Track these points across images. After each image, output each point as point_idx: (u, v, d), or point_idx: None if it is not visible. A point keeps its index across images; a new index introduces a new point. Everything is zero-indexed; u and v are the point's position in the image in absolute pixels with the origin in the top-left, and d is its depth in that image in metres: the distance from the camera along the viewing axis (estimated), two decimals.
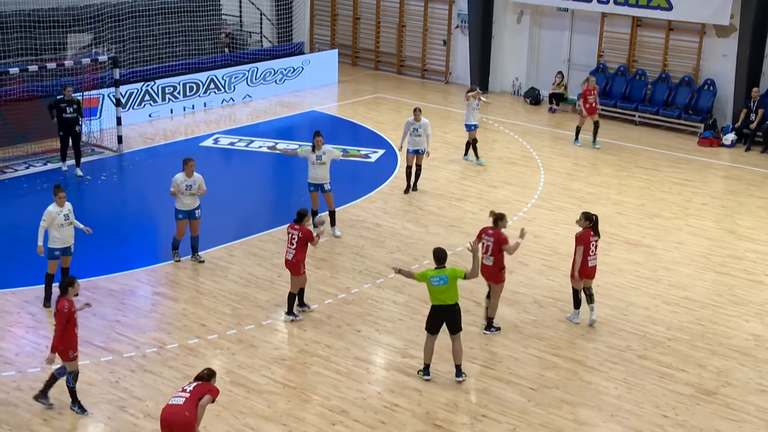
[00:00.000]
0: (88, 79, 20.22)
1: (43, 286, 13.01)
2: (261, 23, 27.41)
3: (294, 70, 26.14)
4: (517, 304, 13.53)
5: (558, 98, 24.81)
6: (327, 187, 15.44)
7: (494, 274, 12.50)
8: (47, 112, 18.73)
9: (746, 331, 12.86)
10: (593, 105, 21.05)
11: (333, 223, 15.69)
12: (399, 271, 11.60)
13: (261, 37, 27.56)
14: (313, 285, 13.82)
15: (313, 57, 27.05)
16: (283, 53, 26.53)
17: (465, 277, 11.20)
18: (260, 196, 18.67)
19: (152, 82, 22.74)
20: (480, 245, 12.28)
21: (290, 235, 12.73)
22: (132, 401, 10.78)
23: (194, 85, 23.81)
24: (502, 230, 12.41)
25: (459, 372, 11.45)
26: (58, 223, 12.59)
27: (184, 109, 23.55)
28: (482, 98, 19.88)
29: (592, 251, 12.61)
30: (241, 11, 27.30)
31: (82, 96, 19.36)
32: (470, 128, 19.63)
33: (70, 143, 18.45)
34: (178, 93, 23.44)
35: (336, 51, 27.81)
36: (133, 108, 22.29)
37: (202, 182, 14.39)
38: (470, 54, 26.31)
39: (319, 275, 14.24)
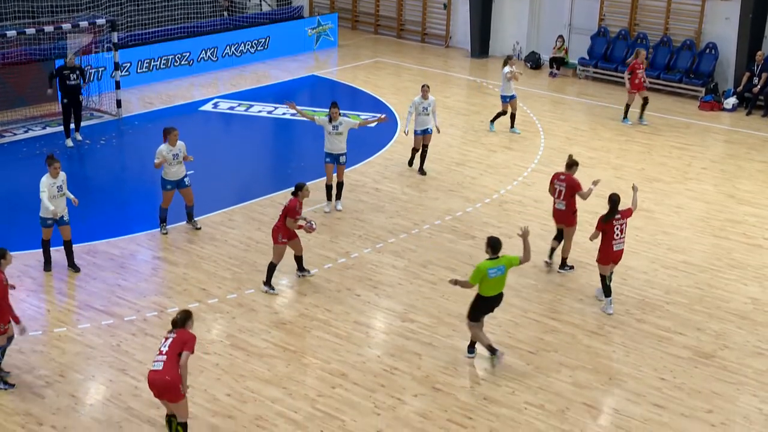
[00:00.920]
0: (86, 43, 20.08)
1: (41, 251, 13.06)
2: None
3: (293, 34, 25.98)
4: (517, 268, 13.51)
5: (559, 62, 24.67)
6: (342, 159, 15.12)
7: (568, 218, 13.20)
8: (46, 76, 18.64)
9: (744, 294, 12.90)
10: (641, 80, 20.01)
11: (339, 195, 15.44)
12: (456, 282, 10.88)
13: (260, 1, 27.34)
14: (312, 249, 13.84)
15: (311, 21, 26.86)
16: (282, 17, 26.35)
17: (519, 263, 10.84)
18: (260, 160, 18.64)
19: (151, 46, 22.61)
20: (554, 191, 13.24)
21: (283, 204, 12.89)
22: (133, 364, 10.85)
23: (193, 49, 23.67)
24: (574, 175, 13.12)
25: (472, 349, 11.24)
26: (51, 194, 12.60)
27: (183, 74, 23.42)
28: (514, 68, 19.19)
29: (617, 234, 12.00)
30: None
31: (80, 60, 19.22)
32: (505, 100, 19.23)
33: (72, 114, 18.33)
34: (177, 57, 23.31)
35: (336, 15, 27.61)
36: (132, 72, 22.19)
37: (185, 149, 14.19)
38: (470, 18, 26.11)
39: (318, 240, 14.27)
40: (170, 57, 23.19)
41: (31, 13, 20.91)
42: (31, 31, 19.05)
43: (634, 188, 12.88)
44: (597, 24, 24.72)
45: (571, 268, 13.47)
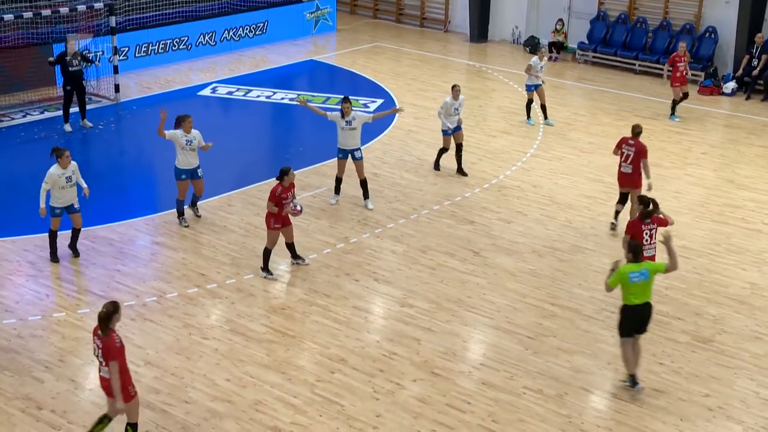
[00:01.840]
0: (84, 27, 20.01)
1: (47, 237, 12.96)
2: None
3: (291, 19, 25.88)
4: (516, 253, 13.58)
5: (558, 47, 24.61)
6: (358, 154, 14.78)
7: (634, 180, 13.77)
8: (44, 60, 18.56)
9: (743, 279, 12.92)
10: (683, 74, 19.35)
11: (366, 195, 15.04)
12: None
13: None
14: (312, 235, 13.85)
15: (310, 6, 26.76)
16: (281, 1, 26.23)
17: (665, 271, 10.10)
18: (259, 145, 18.61)
19: (149, 30, 22.53)
20: (620, 154, 13.77)
21: None
22: (132, 349, 10.84)
23: (191, 34, 23.59)
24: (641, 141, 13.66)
25: (634, 381, 10.29)
26: (59, 185, 12.47)
27: (181, 58, 23.35)
28: (546, 60, 18.97)
29: (646, 240, 11.34)
30: None
31: (79, 45, 19.14)
32: (529, 89, 18.95)
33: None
34: (175, 41, 23.23)
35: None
36: (131, 56, 22.12)
37: (201, 137, 14.06)
38: (470, 2, 26.01)
39: (318, 225, 14.27)
40: (168, 41, 23.11)
41: None
42: (28, 14, 18.98)
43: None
44: (597, 8, 24.65)
45: None
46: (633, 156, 13.70)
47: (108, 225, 14.11)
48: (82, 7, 19.59)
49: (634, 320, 10.15)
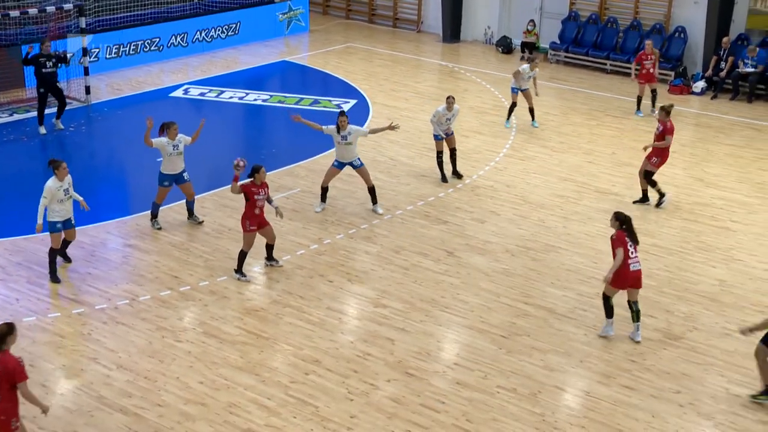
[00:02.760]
0: (54, 28, 19.84)
1: (47, 261, 12.40)
2: None
3: (263, 19, 25.82)
4: (489, 253, 13.63)
5: (530, 47, 24.73)
6: (357, 162, 14.68)
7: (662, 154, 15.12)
8: (12, 61, 18.38)
9: (712, 276, 13.06)
10: (650, 71, 19.68)
11: (374, 200, 14.88)
12: (752, 330, 10.13)
13: None
14: (285, 236, 13.82)
15: (282, 6, 26.71)
16: (253, 2, 26.17)
17: None
18: (232, 147, 18.50)
19: (120, 31, 22.39)
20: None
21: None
22: (104, 353, 10.80)
23: (163, 35, 23.47)
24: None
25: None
26: (57, 199, 12.09)
27: (153, 59, 23.22)
28: (537, 71, 18.94)
29: (631, 252, 11.09)
30: None
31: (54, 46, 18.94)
32: (514, 91, 18.89)
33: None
34: (147, 42, 23.10)
35: (307, 0, 27.47)
36: (101, 58, 21.97)
37: (186, 137, 13.94)
38: (442, 3, 26.08)
39: (291, 226, 14.24)
40: (140, 42, 22.98)
41: None
42: None
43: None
44: (568, 8, 24.80)
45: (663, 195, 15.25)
46: (658, 133, 15.01)
47: (79, 228, 13.97)
48: (51, 8, 19.42)
49: None
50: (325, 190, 14.94)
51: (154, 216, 14.10)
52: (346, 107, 20.08)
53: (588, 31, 24.20)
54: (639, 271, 11.13)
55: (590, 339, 11.40)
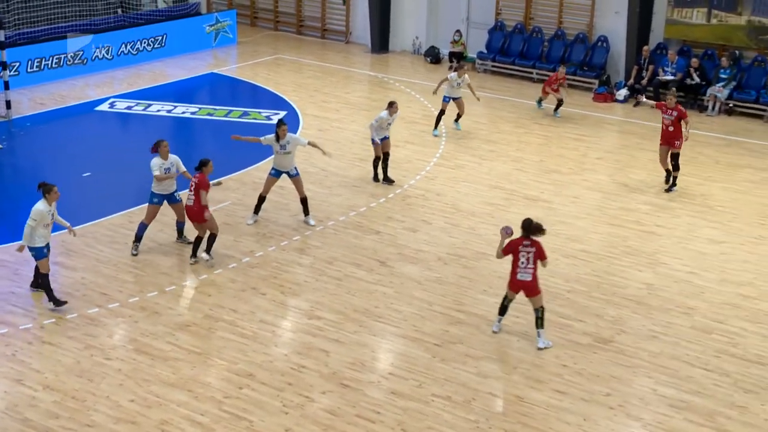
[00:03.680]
0: None
1: (43, 291, 12.02)
2: None
3: (190, 31, 25.59)
4: (421, 261, 13.71)
5: (458, 57, 24.98)
6: (293, 171, 14.67)
7: (677, 136, 16.47)
8: None
9: (639, 280, 13.35)
10: (554, 88, 20.70)
11: (306, 211, 14.87)
12: None
13: None
14: (217, 250, 13.68)
15: (209, 18, 26.52)
16: (179, 14, 25.92)
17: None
18: None
19: (42, 44, 21.94)
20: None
21: (190, 182, 13.11)
22: (30, 374, 10.53)
23: (86, 48, 23.06)
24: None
25: None
26: (44, 223, 11.75)
27: (77, 73, 22.80)
28: (465, 77, 19.10)
29: (522, 262, 11.22)
30: None
31: None
32: (446, 99, 19.18)
33: None
34: (70, 56, 22.68)
35: (234, 11, 27.33)
36: (22, 72, 21.49)
37: (179, 163, 13.67)
38: (370, 13, 26.21)
39: (222, 240, 14.10)
40: (63, 56, 22.53)
41: None
42: None
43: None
44: (494, 18, 25.14)
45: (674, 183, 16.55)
46: (674, 119, 16.30)
47: (2, 246, 13.64)
48: None
49: None
50: (262, 199, 14.88)
51: (138, 239, 13.67)
52: (276, 119, 19.99)
53: (514, 41, 24.57)
54: (526, 282, 11.24)
55: (523, 345, 11.55)
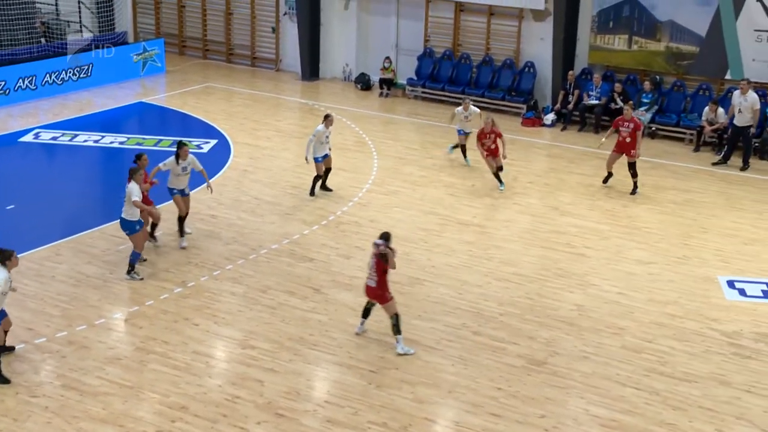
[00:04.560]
0: None
1: None
2: (80, 11, 26.27)
3: (117, 61, 25.28)
4: (355, 288, 13.68)
5: (388, 83, 25.18)
6: (187, 190, 14.95)
7: (631, 147, 17.74)
8: None
9: (570, 301, 13.55)
10: (490, 148, 17.67)
11: (182, 232, 15.04)
12: None
13: (81, 27, 26.42)
14: (147, 281, 13.47)
15: (136, 47, 26.25)
16: (106, 43, 25.57)
17: None
18: (88, 191, 17.93)
19: None
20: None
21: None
22: None
23: (9, 78, 22.60)
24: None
25: None
26: (3, 290, 10.88)
27: (0, 104, 22.32)
28: (471, 108, 18.97)
29: (369, 271, 11.84)
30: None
31: None
32: (460, 133, 19.17)
33: None
34: None
35: (162, 40, 27.10)
36: None
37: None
38: (299, 41, 26.26)
39: (154, 270, 13.90)
40: None
41: None
42: None
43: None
44: (422, 45, 25.42)
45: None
46: (630, 131, 17.55)
47: None
48: None
49: None
50: (182, 220, 14.94)
51: (132, 267, 13.65)
52: (206, 147, 19.85)
53: (443, 67, 24.86)
54: (369, 288, 11.87)
55: (458, 369, 11.59)
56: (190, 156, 14.80)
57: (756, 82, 20.29)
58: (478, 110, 19.41)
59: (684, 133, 21.62)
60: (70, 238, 15.04)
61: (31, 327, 12.16)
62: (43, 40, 24.86)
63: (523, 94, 23.60)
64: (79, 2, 26.08)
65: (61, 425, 10.09)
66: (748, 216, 17.05)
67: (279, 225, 15.95)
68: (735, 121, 19.85)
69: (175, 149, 14.76)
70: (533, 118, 22.93)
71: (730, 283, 14.20)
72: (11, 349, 11.61)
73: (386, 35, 25.96)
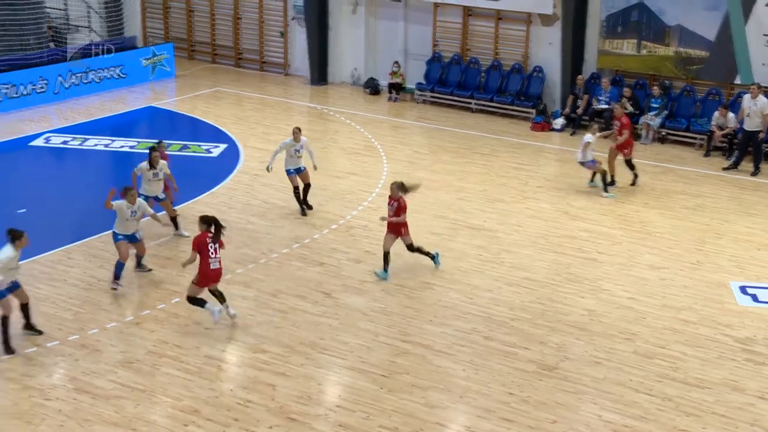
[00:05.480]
0: None
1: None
2: (89, 16, 26.36)
3: (127, 65, 25.35)
4: (366, 292, 13.69)
5: (397, 87, 25.19)
6: (162, 195, 15.09)
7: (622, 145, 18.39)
8: None
9: (582, 307, 13.51)
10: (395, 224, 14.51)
11: (176, 226, 15.35)
12: None
13: (90, 31, 26.51)
14: (159, 285, 13.49)
15: (146, 51, 26.32)
16: (115, 48, 25.65)
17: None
18: (98, 195, 17.87)
19: None
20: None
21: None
22: None
23: (20, 82, 22.68)
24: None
25: None
26: (9, 267, 11.53)
27: (9, 108, 22.37)
28: (598, 134, 18.27)
29: (212, 252, 12.27)
30: (66, 4, 26.15)
31: None
32: (593, 163, 18.02)
33: None
34: (3, 89, 22.25)
35: (171, 44, 27.16)
36: None
37: (146, 205, 13.85)
38: (308, 46, 26.30)
39: (164, 273, 13.92)
40: None
41: None
42: None
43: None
44: (431, 49, 25.43)
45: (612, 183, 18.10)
46: (618, 129, 18.19)
47: None
48: None
49: None
50: (174, 219, 15.18)
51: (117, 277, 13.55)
52: (216, 152, 19.89)
53: (452, 72, 24.86)
54: (219, 270, 12.33)
55: (469, 374, 11.57)
56: (161, 161, 14.79)
57: (766, 87, 20.24)
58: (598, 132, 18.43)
59: (694, 138, 21.57)
60: (81, 241, 15.07)
61: (44, 330, 12.17)
62: (52, 44, 24.92)
63: (532, 98, 23.58)
64: (88, 7, 26.16)
65: (74, 428, 10.10)
66: (761, 221, 17.01)
67: (289, 229, 15.95)
68: (744, 126, 19.82)
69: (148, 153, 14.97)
70: (542, 122, 22.91)
71: (743, 289, 14.17)
72: (39, 332, 11.97)
73: (394, 40, 25.96)
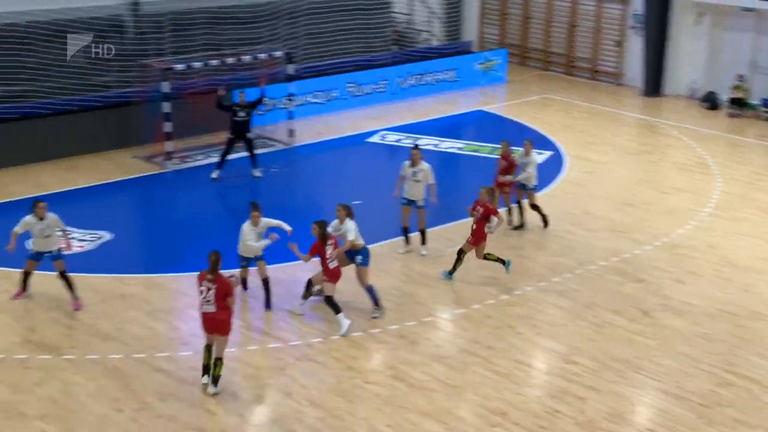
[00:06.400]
0: (263, 74, 20.83)
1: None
2: (429, 21, 27.56)
3: (461, 69, 26.16)
4: (688, 315, 13.00)
5: (739, 103, 23.61)
6: (420, 202, 14.79)
7: None
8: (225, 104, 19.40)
9: None
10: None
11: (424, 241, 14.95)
12: None
13: (430, 35, 27.70)
14: (476, 285, 13.75)
15: (480, 56, 26.96)
16: (452, 51, 26.59)
17: None
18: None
19: (324, 78, 23.35)
20: None
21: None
22: (297, 388, 11.07)
23: (363, 82, 24.20)
24: None
25: None
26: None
27: (353, 105, 23.96)
28: None
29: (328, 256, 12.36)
30: (412, 9, 27.53)
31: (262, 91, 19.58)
32: None
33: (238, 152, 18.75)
34: (348, 89, 23.90)
35: (505, 50, 27.60)
36: (303, 103, 22.89)
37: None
38: (645, 55, 25.46)
39: (481, 274, 14.15)
40: (339, 89, 23.74)
41: (215, 46, 21.86)
42: (214, 62, 19.95)
43: None
44: None
45: None
46: None
47: (277, 266, 14.28)
48: (263, 56, 20.47)
49: None
50: (406, 230, 14.93)
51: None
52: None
53: None
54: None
55: None
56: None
57: None
58: None
59: None
60: (411, 234, 15.37)
61: (358, 318, 12.83)
62: (395, 47, 26.35)
63: None
64: (430, 12, 27.34)
65: (390, 413, 10.58)
66: None
67: (610, 241, 15.57)
68: None
69: None
70: None
71: None
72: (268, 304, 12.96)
73: (741, 52, 24.35)
